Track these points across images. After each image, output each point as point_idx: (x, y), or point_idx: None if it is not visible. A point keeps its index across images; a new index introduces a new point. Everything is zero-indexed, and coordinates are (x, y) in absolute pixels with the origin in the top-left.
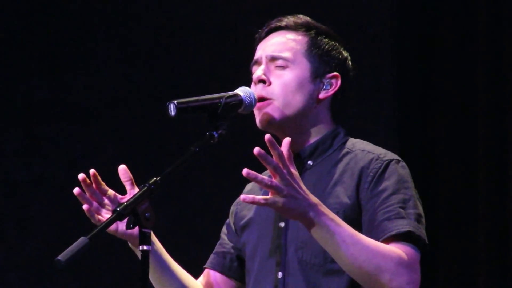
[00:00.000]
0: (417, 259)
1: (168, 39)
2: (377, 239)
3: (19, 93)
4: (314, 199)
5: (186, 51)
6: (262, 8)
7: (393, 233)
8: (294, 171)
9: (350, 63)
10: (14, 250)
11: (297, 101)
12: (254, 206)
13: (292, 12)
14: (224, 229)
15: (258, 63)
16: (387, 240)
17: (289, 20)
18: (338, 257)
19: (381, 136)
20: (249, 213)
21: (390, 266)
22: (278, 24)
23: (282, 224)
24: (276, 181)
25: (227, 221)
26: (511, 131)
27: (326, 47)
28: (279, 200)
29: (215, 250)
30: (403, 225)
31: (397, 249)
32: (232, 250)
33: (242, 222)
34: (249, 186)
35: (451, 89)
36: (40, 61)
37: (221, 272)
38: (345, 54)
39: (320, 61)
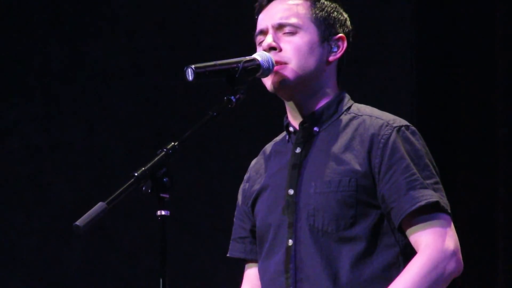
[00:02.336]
0: (449, 224)
1: (186, 6)
2: (406, 211)
3: (37, 59)
4: None
5: (204, 16)
6: None
7: (421, 203)
8: None
9: (349, 23)
10: (33, 215)
11: (310, 64)
12: (262, 177)
13: None
14: (236, 213)
15: (264, 32)
16: (415, 214)
17: None
18: None
19: (396, 105)
20: (257, 186)
21: (436, 271)
22: None
23: (292, 192)
24: None
25: (238, 202)
26: None
27: (329, 9)
28: None
29: (232, 237)
30: (429, 196)
31: (420, 255)
32: (249, 234)
33: (253, 197)
34: (253, 161)
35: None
36: (58, 27)
37: (245, 258)
38: (345, 15)
39: (325, 24)
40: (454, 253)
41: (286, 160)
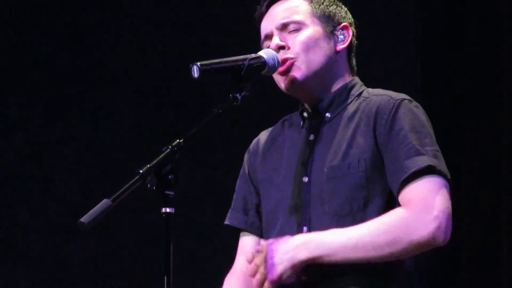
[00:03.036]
0: (442, 186)
1: (192, 3)
2: (400, 181)
3: (42, 56)
4: (295, 241)
5: (211, 15)
6: None
7: (413, 170)
8: (261, 248)
9: (350, 15)
10: (38, 212)
11: (319, 55)
12: (270, 159)
13: None
14: (240, 181)
15: (269, 37)
16: (408, 180)
17: None
18: (361, 262)
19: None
20: (265, 168)
21: (404, 229)
22: None
23: (306, 179)
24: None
25: (242, 172)
26: None
27: (327, 3)
28: (267, 275)
29: (233, 205)
30: (422, 161)
31: (398, 208)
32: (253, 205)
33: (259, 175)
34: (264, 133)
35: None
36: (64, 23)
37: (245, 229)
38: (345, 8)
39: (327, 16)
40: (436, 218)
41: (300, 146)
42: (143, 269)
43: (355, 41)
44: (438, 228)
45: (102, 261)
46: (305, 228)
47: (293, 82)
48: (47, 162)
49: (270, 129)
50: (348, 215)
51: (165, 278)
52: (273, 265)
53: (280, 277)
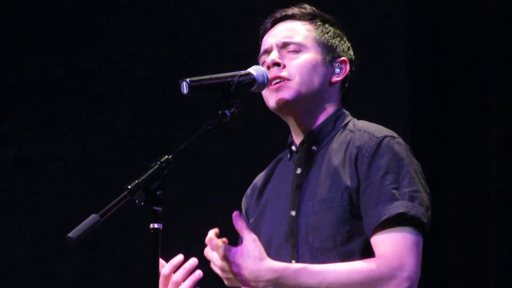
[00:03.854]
0: (415, 241)
1: (181, 19)
2: (372, 228)
3: (32, 72)
4: (265, 274)
5: (198, 31)
6: None
7: (385, 217)
8: (227, 257)
9: (352, 52)
10: (25, 226)
11: (313, 82)
12: (264, 197)
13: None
14: None
15: (268, 52)
16: (380, 227)
17: (294, 9)
18: None
19: (392, 122)
20: (259, 206)
21: (376, 284)
22: (284, 13)
23: (294, 213)
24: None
25: (242, 214)
26: None
27: (332, 34)
28: (224, 279)
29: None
30: (394, 208)
31: (368, 262)
32: None
33: (255, 215)
34: (259, 176)
35: (464, 79)
36: (53, 41)
37: None
38: (349, 43)
39: (329, 47)
40: (407, 279)
41: (288, 180)
42: (131, 285)
43: (351, 77)
44: (409, 287)
45: (90, 275)
46: (293, 262)
47: (285, 101)
48: (36, 176)
49: (264, 171)
50: (332, 249)
51: None
52: (233, 278)
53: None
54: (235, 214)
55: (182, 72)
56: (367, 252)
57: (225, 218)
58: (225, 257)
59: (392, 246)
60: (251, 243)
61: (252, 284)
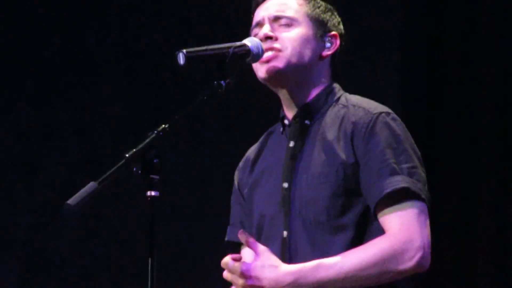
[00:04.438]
0: (421, 212)
1: None
2: (375, 200)
3: (31, 46)
4: (284, 279)
5: (194, 4)
6: None
7: (388, 190)
8: (246, 271)
9: (342, 27)
10: (27, 195)
11: (304, 54)
12: (256, 170)
13: None
14: (233, 197)
15: (260, 24)
16: (385, 201)
17: None
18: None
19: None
20: (251, 178)
21: (391, 262)
22: None
23: (286, 185)
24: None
25: (234, 188)
26: None
27: (323, 8)
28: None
29: (231, 221)
30: (397, 182)
31: (378, 242)
32: (246, 217)
33: (247, 188)
34: (251, 149)
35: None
36: (53, 16)
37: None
38: (339, 18)
39: (320, 21)
40: (419, 249)
41: (281, 153)
42: (127, 251)
43: (340, 51)
44: (423, 257)
45: (88, 242)
46: (285, 233)
47: (273, 70)
48: (34, 147)
49: (256, 144)
50: (326, 222)
51: (149, 260)
52: None
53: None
54: (240, 232)
55: (179, 45)
56: (360, 225)
57: (222, 186)
58: (243, 274)
59: (399, 221)
60: (263, 254)
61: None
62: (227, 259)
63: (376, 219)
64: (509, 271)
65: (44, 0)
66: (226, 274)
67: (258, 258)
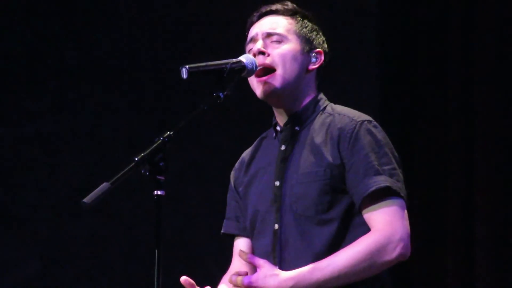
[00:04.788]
0: (401, 208)
1: (182, 9)
2: (361, 196)
3: (51, 57)
4: (285, 284)
5: (198, 21)
6: None
7: (373, 188)
8: (250, 283)
9: (326, 45)
10: (46, 193)
11: (294, 69)
12: (250, 171)
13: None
14: (229, 194)
15: (254, 40)
16: (369, 199)
17: (278, 6)
18: (344, 284)
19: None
20: (246, 177)
21: (377, 254)
22: (268, 9)
23: (278, 183)
24: None
25: (230, 186)
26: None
27: (310, 28)
28: None
29: (227, 216)
30: (381, 181)
31: (365, 239)
32: (241, 213)
33: (242, 187)
34: (245, 152)
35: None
36: (70, 28)
37: (238, 234)
38: (323, 37)
39: (307, 38)
40: (400, 240)
41: (273, 155)
42: (137, 244)
43: (325, 66)
44: (404, 247)
45: (102, 236)
46: (276, 225)
47: (272, 91)
48: (55, 150)
49: (250, 147)
50: (313, 217)
51: (156, 251)
52: None
53: None
54: (239, 253)
55: (184, 58)
56: (344, 219)
57: (220, 186)
58: (249, 286)
59: (382, 217)
60: (264, 266)
61: None
62: (232, 276)
63: (359, 213)
64: (473, 263)
65: (60, 17)
66: None
67: (260, 270)
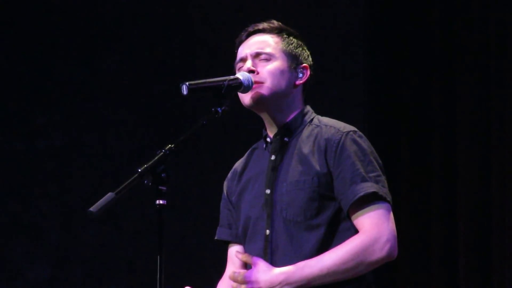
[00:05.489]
0: (387, 211)
1: (183, 29)
2: (349, 203)
3: (60, 74)
4: (277, 278)
5: (197, 39)
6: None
7: (360, 194)
8: (245, 278)
9: (311, 59)
10: (56, 203)
11: (282, 84)
12: (242, 180)
13: (267, 14)
14: (223, 203)
15: (243, 60)
16: (356, 204)
17: (264, 25)
18: (332, 282)
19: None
20: (238, 187)
21: (364, 254)
22: (256, 28)
23: (268, 191)
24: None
25: (223, 195)
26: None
27: (296, 44)
28: None
29: (220, 223)
30: (368, 187)
31: (353, 240)
32: (234, 220)
33: (235, 196)
34: (237, 163)
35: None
36: (78, 50)
37: (231, 241)
38: (308, 52)
39: (293, 55)
40: (387, 241)
41: (264, 165)
42: (140, 250)
43: (311, 81)
44: (391, 247)
45: (108, 243)
46: (267, 231)
47: (260, 98)
48: (64, 162)
49: (242, 158)
50: (302, 222)
51: (158, 257)
52: None
53: None
54: (236, 254)
55: (185, 75)
56: (331, 224)
57: (218, 196)
58: (244, 280)
59: (369, 219)
60: (258, 263)
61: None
62: (231, 273)
63: (346, 219)
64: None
65: (69, 34)
66: (233, 286)
67: (255, 267)
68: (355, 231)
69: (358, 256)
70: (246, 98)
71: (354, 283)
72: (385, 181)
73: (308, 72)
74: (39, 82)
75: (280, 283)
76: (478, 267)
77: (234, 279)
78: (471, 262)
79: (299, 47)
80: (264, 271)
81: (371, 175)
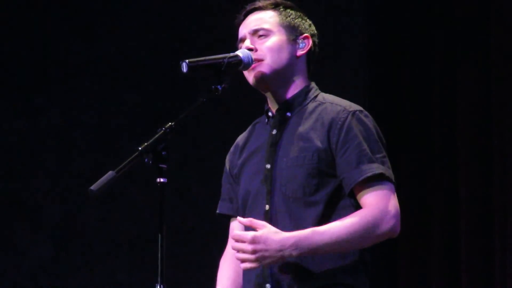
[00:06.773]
0: (392, 191)
1: (184, 6)
2: (355, 180)
3: (60, 54)
4: (287, 241)
5: (197, 22)
6: None
7: (368, 175)
8: (255, 238)
9: (313, 28)
10: (57, 182)
11: (282, 58)
12: (245, 152)
13: None
14: (224, 177)
15: (243, 40)
16: (363, 183)
17: (260, 2)
18: (338, 251)
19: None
20: (241, 159)
21: (373, 225)
22: (252, 6)
23: (269, 166)
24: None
25: (225, 169)
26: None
27: (293, 15)
28: (255, 261)
29: (221, 197)
30: (374, 168)
31: (360, 213)
32: (235, 194)
33: (236, 169)
34: (240, 137)
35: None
36: (78, 28)
37: (232, 215)
38: (309, 21)
39: (291, 27)
40: (394, 216)
41: (265, 140)
42: (141, 229)
43: (315, 50)
44: (396, 223)
45: (109, 222)
46: (267, 206)
47: (261, 77)
48: (64, 141)
49: (244, 132)
50: (301, 198)
51: (159, 235)
52: (264, 256)
53: (267, 265)
54: (238, 219)
55: (185, 53)
56: (329, 202)
57: (219, 173)
58: (253, 240)
59: (376, 196)
60: (265, 226)
61: (279, 253)
62: (236, 231)
63: (346, 197)
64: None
65: (67, 14)
66: (234, 244)
67: (263, 230)
68: (355, 209)
69: (367, 226)
70: (250, 78)
71: (351, 261)
72: (389, 162)
73: (310, 41)
74: (39, 61)
75: (290, 246)
76: (479, 254)
77: (240, 239)
78: (472, 259)
79: (297, 18)
80: (275, 233)
81: (377, 156)
